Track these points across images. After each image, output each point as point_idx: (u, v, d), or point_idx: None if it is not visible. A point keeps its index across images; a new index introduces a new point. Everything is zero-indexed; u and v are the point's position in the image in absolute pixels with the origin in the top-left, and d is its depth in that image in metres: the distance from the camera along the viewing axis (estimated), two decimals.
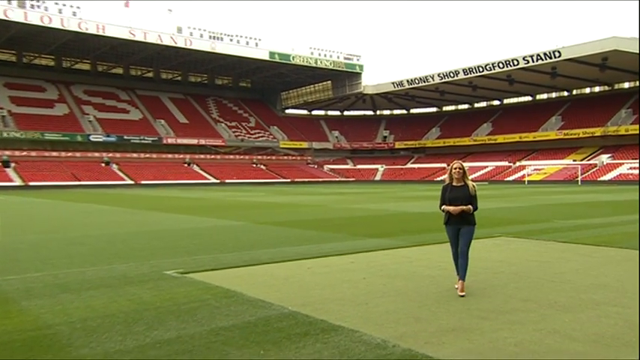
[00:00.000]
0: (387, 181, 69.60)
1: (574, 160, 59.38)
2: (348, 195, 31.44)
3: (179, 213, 17.10)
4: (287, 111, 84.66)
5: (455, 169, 5.36)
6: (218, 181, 60.51)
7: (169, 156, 64.16)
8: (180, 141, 65.15)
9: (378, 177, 74.21)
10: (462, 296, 5.10)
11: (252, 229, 11.97)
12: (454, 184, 5.36)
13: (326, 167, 76.03)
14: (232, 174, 63.43)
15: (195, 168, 64.19)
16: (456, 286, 5.34)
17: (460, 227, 5.35)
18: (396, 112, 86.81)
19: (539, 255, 7.75)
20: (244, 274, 6.47)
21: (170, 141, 64.59)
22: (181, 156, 65.09)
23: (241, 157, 70.54)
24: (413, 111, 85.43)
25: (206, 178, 61.05)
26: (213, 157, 67.57)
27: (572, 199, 23.54)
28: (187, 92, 76.37)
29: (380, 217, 15.09)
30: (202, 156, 66.60)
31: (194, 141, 66.04)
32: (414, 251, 8.28)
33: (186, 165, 64.41)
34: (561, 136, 62.38)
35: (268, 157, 72.62)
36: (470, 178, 5.41)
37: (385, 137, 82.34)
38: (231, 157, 69.56)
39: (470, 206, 5.27)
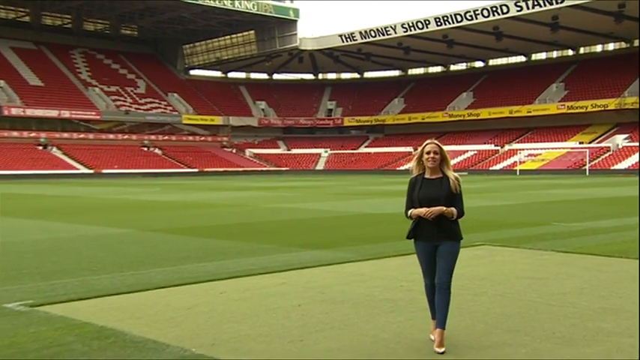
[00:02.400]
0: (333, 170, 70.28)
1: (580, 143, 62.47)
2: (280, 190, 31.42)
3: (29, 218, 16.61)
4: (192, 72, 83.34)
5: (428, 152, 4.81)
6: (91, 171, 59.11)
7: (14, 134, 61.70)
8: (30, 112, 62.64)
9: (320, 165, 74.72)
10: (442, 353, 4.61)
11: (142, 238, 11.85)
12: (427, 175, 4.86)
13: (249, 152, 75.64)
14: (112, 161, 62.04)
15: (56, 152, 62.01)
16: (432, 337, 4.86)
17: (438, 244, 4.82)
18: (345, 76, 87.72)
19: (532, 270, 8.09)
20: (128, 303, 6.35)
21: (14, 112, 61.86)
22: (33, 134, 62.85)
23: (125, 136, 68.89)
24: (368, 75, 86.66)
25: (73, 167, 59.36)
26: (83, 136, 65.75)
27: (578, 195, 24.80)
28: (40, 40, 73.21)
29: (323, 221, 15.24)
30: (66, 135, 64.65)
31: (53, 113, 63.70)
32: (368, 267, 8.41)
33: (40, 148, 62.20)
34: (564, 110, 65.38)
35: (166, 138, 71.30)
36: (451, 166, 4.91)
37: (330, 111, 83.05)
38: (111, 136, 67.92)
39: (453, 208, 4.75)
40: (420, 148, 4.91)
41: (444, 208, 4.72)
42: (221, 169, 66.15)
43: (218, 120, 75.35)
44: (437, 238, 4.80)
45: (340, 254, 9.56)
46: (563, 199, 22.37)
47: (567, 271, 7.98)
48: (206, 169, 65.18)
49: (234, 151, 75.04)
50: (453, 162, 4.97)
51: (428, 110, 74.63)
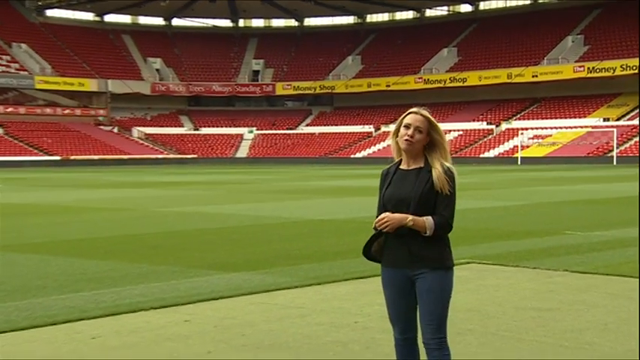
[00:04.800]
0: (261, 159, 70.17)
1: (605, 120, 63.81)
2: (184, 187, 31.22)
3: None
4: (49, 13, 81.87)
5: (407, 126, 4.38)
6: None
7: None
8: None
9: (242, 152, 74.47)
10: None
11: None
12: (403, 165, 4.46)
13: (137, 132, 74.79)
14: None
15: None
16: None
17: (412, 274, 4.37)
18: (278, 23, 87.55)
19: (537, 297, 8.21)
20: None
21: None
22: None
23: None
24: (309, 22, 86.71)
25: None
26: None
27: (601, 192, 25.33)
28: None
29: (245, 231, 15.26)
30: None
31: None
32: (309, 295, 8.41)
33: None
34: (583, 74, 66.54)
35: (9, 110, 70.09)
36: (449, 154, 4.48)
37: (257, 73, 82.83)
38: None
39: (426, 219, 4.26)
40: (400, 119, 4.48)
41: (410, 217, 4.25)
42: (96, 157, 65.31)
43: (90, 85, 74.18)
44: (408, 264, 4.36)
45: (269, 278, 9.52)
46: (580, 199, 22.81)
47: (586, 299, 8.11)
48: (73, 157, 64.21)
49: (115, 130, 74.02)
50: None
51: (395, 73, 75.15)
